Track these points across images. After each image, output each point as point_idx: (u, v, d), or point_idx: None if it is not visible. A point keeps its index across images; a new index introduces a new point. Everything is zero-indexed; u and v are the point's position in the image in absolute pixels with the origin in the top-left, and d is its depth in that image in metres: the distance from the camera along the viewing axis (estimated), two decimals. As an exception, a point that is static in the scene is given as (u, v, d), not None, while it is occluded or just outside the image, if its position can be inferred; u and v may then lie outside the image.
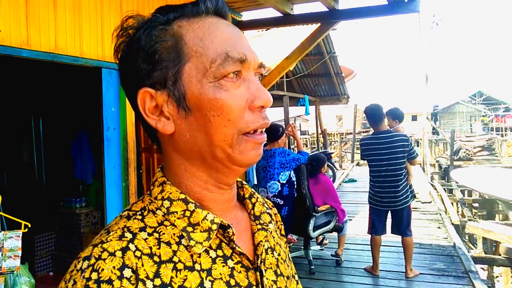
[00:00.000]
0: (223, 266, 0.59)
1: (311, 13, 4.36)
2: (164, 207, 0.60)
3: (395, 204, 4.33)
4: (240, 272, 0.61)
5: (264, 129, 0.62)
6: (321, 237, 5.47)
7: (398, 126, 5.14)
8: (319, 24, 4.48)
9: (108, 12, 2.86)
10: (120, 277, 0.51)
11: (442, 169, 17.16)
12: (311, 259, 4.78)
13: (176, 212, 0.59)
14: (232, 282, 0.59)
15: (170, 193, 0.61)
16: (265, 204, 0.73)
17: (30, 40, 2.22)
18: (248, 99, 0.59)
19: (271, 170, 4.31)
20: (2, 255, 2.64)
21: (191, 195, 0.61)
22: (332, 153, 13.58)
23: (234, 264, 0.61)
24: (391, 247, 5.29)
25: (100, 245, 0.54)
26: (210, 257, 0.59)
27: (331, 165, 9.87)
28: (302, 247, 4.98)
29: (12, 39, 2.12)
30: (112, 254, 0.52)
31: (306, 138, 28.56)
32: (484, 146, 18.18)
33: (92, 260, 0.52)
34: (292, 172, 4.38)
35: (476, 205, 11.69)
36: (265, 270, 0.64)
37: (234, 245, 0.61)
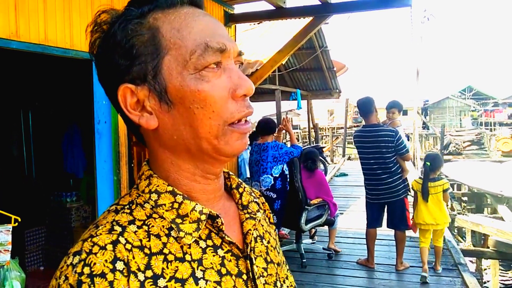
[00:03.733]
0: (214, 255, 0.60)
1: (304, 6, 4.35)
2: (152, 200, 0.60)
3: (385, 197, 4.37)
4: (230, 260, 0.62)
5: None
6: (313, 230, 5.50)
7: (396, 119, 5.24)
8: (311, 18, 4.47)
9: (99, 3, 2.82)
10: (113, 270, 0.51)
11: (432, 163, 17.28)
12: (303, 252, 4.80)
13: (164, 204, 0.60)
14: (223, 271, 0.60)
15: (158, 186, 0.61)
16: (252, 194, 0.74)
17: (19, 32, 2.18)
18: (231, 89, 0.58)
19: (264, 164, 4.31)
20: (-9, 249, 2.61)
21: (179, 187, 0.61)
22: (324, 147, 13.64)
23: (224, 253, 0.61)
24: (382, 240, 5.34)
25: (89, 239, 0.54)
26: (200, 247, 0.59)
27: (323, 159, 9.91)
28: (294, 241, 5.00)
29: (1, 30, 2.08)
30: (103, 248, 0.52)
31: (297, 133, 28.57)
32: (474, 141, 18.35)
33: (83, 255, 0.52)
34: (285, 166, 4.39)
35: (465, 198, 11.83)
36: (255, 258, 0.65)
37: (223, 235, 0.62)
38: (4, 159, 5.35)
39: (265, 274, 0.66)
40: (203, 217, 0.60)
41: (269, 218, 0.79)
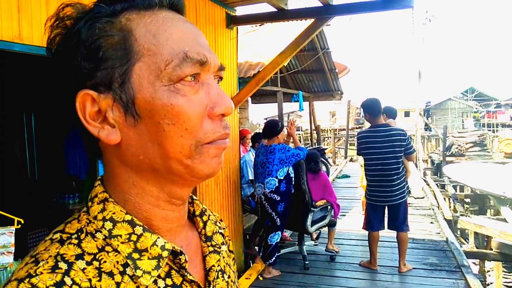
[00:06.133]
0: None
1: (306, 8, 4.34)
2: (105, 229, 0.52)
3: (391, 199, 4.33)
4: None
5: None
6: (315, 234, 5.49)
7: (391, 120, 5.21)
8: (313, 20, 4.48)
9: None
10: None
11: (435, 165, 17.30)
12: (305, 254, 4.80)
13: (120, 235, 0.52)
14: None
15: (114, 213, 0.53)
16: (217, 223, 0.67)
17: (22, 34, 2.18)
18: (208, 106, 0.52)
19: (270, 167, 4.30)
20: (-6, 251, 2.62)
21: (139, 214, 0.54)
22: (326, 149, 13.63)
23: None
24: (385, 242, 5.33)
25: (27, 280, 0.45)
26: (159, 287, 0.53)
27: (325, 161, 9.89)
28: (296, 243, 4.99)
29: (4, 33, 2.09)
30: None
31: (299, 134, 28.61)
32: (476, 142, 18.32)
33: None
34: (290, 168, 4.38)
35: (468, 200, 11.79)
36: None
37: (185, 273, 0.55)
38: (6, 161, 5.37)
39: None
40: (165, 253, 0.53)
41: (228, 246, 0.73)
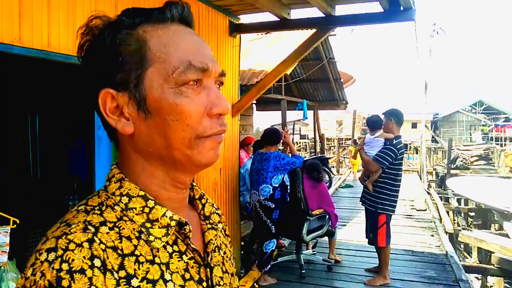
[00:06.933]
0: (179, 260, 0.63)
1: (308, 18, 4.36)
2: (122, 203, 0.62)
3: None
4: (192, 267, 0.65)
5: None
6: (311, 243, 5.45)
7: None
8: (315, 30, 4.49)
9: (103, 11, 2.86)
10: (92, 267, 0.53)
11: (439, 177, 17.16)
12: (303, 263, 4.78)
13: (135, 208, 0.62)
14: (187, 276, 0.63)
15: (129, 190, 0.63)
16: (214, 205, 0.77)
17: (22, 37, 2.22)
18: (207, 106, 0.62)
19: (264, 174, 4.31)
20: (-11, 250, 2.64)
21: (148, 193, 0.64)
22: (329, 158, 13.58)
23: (188, 259, 0.64)
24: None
25: (64, 236, 0.55)
26: (168, 252, 0.62)
27: (328, 170, 9.86)
28: (294, 251, 4.98)
29: (4, 36, 2.12)
30: (80, 245, 0.54)
31: (305, 143, 28.61)
32: (482, 156, 18.18)
33: (60, 251, 0.53)
34: (286, 176, 4.38)
35: (472, 214, 11.68)
36: (214, 267, 0.69)
37: (189, 242, 0.65)
38: (10, 161, 5.42)
39: (221, 283, 0.70)
40: (173, 223, 0.62)
41: (225, 230, 0.83)
